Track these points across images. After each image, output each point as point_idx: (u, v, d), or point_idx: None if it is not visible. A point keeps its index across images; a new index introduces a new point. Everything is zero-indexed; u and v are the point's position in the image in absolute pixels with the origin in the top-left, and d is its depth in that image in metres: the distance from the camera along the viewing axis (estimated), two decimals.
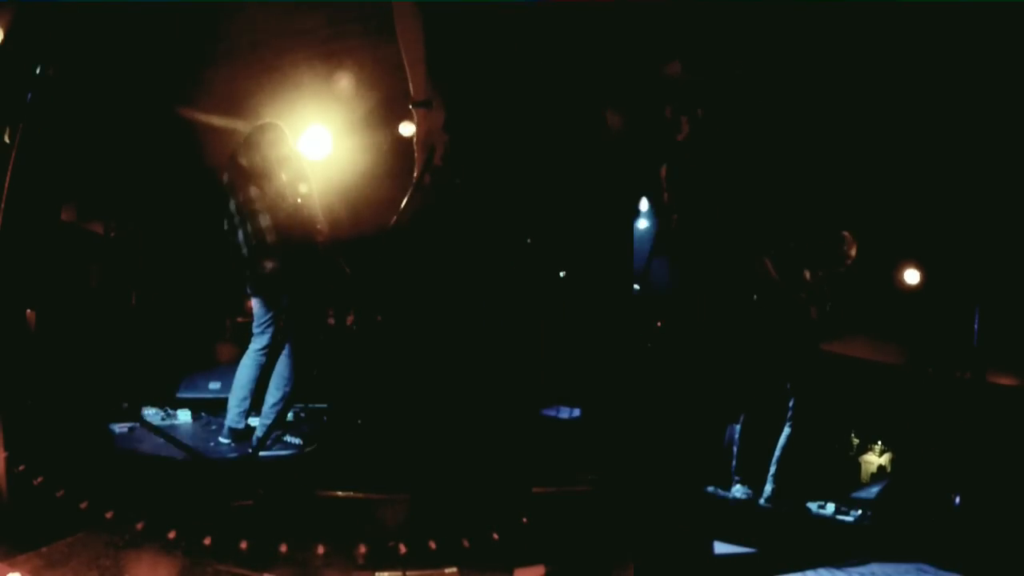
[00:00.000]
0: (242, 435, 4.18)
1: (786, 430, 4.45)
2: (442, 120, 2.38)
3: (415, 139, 2.37)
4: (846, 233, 4.54)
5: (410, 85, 2.37)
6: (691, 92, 2.60)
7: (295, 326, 4.12)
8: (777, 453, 4.45)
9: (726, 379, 4.32)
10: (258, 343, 4.17)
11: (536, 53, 2.37)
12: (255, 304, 4.19)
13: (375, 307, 2.39)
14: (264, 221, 4.03)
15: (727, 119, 2.59)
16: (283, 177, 4.14)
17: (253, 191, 4.02)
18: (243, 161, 4.05)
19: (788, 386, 4.50)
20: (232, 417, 4.19)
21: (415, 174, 2.39)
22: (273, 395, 4.06)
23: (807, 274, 4.52)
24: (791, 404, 4.46)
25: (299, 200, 4.14)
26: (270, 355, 4.13)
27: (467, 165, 2.38)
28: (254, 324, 4.20)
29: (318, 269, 4.18)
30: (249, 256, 4.08)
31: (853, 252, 4.52)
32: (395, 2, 2.37)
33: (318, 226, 4.13)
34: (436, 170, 2.35)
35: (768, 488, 4.44)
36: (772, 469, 4.44)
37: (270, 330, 4.12)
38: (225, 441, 4.21)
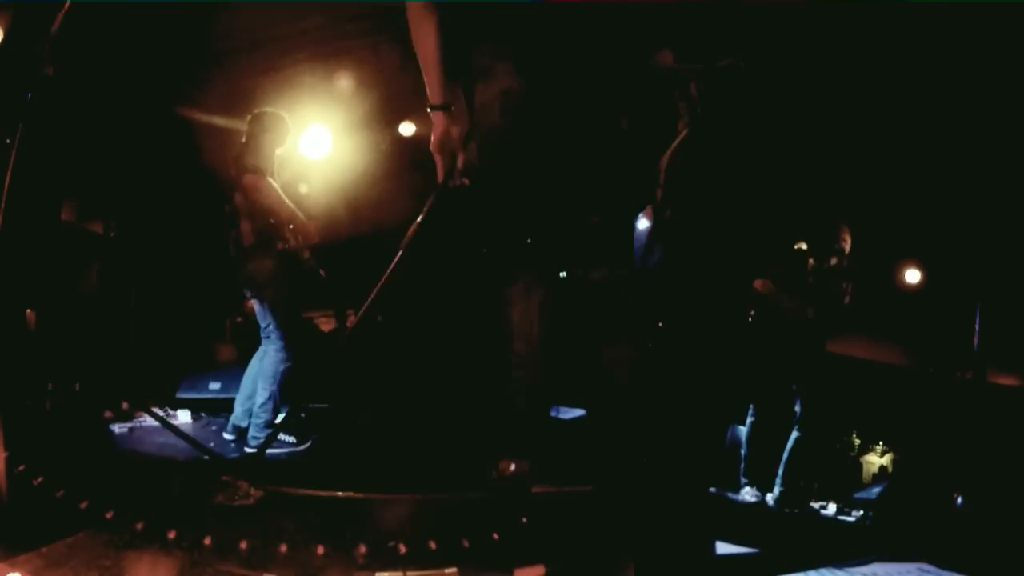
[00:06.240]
0: (244, 433, 4.20)
1: (794, 433, 4.44)
2: (464, 125, 2.31)
3: (432, 144, 2.30)
4: (841, 224, 4.54)
5: (427, 89, 2.30)
6: (687, 79, 2.55)
7: (280, 326, 4.09)
8: (785, 456, 4.44)
9: (727, 379, 4.31)
10: (264, 346, 4.16)
11: (543, 51, 2.33)
12: (255, 306, 4.18)
13: (375, 308, 2.36)
14: (252, 222, 4.01)
15: (725, 110, 2.55)
16: (277, 176, 4.13)
17: (247, 191, 3.99)
18: (242, 158, 4.03)
19: (794, 388, 4.49)
20: (237, 414, 4.23)
21: (439, 179, 2.33)
22: (261, 394, 4.06)
23: (808, 275, 4.51)
24: (798, 408, 4.45)
25: (295, 202, 4.14)
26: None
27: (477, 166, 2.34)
28: (260, 328, 4.19)
29: (300, 272, 4.16)
30: (237, 256, 4.07)
31: (847, 241, 4.51)
32: (410, 3, 2.30)
33: (301, 230, 4.10)
34: (458, 175, 2.29)
35: (777, 491, 4.43)
36: (780, 471, 4.44)
37: (275, 333, 4.10)
38: (229, 437, 4.25)
